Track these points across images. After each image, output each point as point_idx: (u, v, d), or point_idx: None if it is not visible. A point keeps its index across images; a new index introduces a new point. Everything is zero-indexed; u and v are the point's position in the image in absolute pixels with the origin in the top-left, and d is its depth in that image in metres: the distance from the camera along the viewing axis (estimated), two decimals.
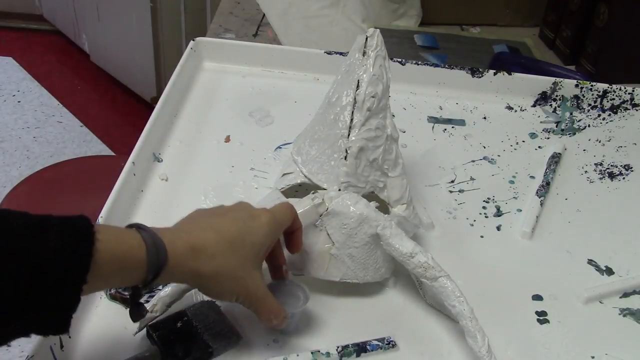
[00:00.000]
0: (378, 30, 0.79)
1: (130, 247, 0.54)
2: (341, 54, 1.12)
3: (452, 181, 0.96)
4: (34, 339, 0.63)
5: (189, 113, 1.04)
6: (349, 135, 0.77)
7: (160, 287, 0.72)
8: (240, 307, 0.72)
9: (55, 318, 0.52)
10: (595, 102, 1.14)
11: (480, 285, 0.79)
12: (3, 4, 3.03)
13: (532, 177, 0.98)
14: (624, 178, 1.01)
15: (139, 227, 0.57)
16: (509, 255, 0.85)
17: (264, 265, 0.68)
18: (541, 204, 0.92)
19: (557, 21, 1.42)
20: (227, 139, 0.99)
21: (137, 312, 0.61)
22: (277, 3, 1.46)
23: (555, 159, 1.01)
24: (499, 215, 0.91)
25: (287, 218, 0.67)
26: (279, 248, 0.70)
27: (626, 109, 1.15)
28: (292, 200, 0.74)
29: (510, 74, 1.14)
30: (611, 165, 1.03)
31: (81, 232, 0.51)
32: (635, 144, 1.08)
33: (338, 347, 0.69)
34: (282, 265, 0.71)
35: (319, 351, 0.69)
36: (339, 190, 0.76)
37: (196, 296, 0.74)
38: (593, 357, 0.73)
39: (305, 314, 0.72)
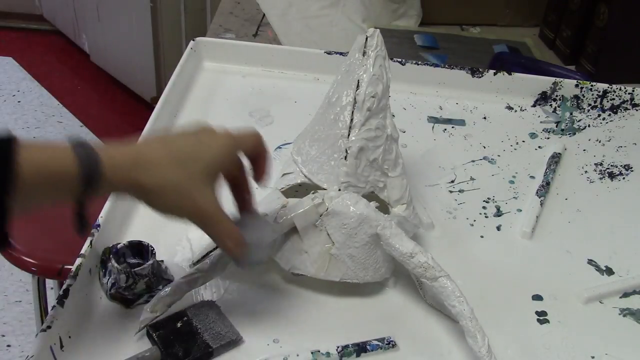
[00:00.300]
0: (378, 30, 0.79)
1: (59, 159, 0.54)
2: (341, 54, 1.12)
3: (452, 181, 0.96)
4: (34, 339, 0.63)
5: (189, 113, 1.04)
6: (349, 135, 0.77)
7: (160, 287, 0.72)
8: (240, 307, 0.72)
9: None
10: (595, 102, 1.14)
11: (480, 285, 0.79)
12: (3, 4, 3.03)
13: (532, 177, 0.98)
14: (624, 178, 1.01)
15: (75, 142, 0.56)
16: (509, 255, 0.85)
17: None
18: (541, 204, 0.92)
19: (557, 21, 1.42)
20: None
21: (79, 224, 0.58)
22: (277, 3, 1.46)
23: (555, 159, 1.01)
24: (499, 215, 0.91)
25: (248, 141, 0.65)
26: (244, 177, 0.67)
27: (626, 109, 1.15)
28: (292, 200, 0.74)
29: (510, 74, 1.14)
30: (611, 165, 1.03)
31: (1, 145, 0.51)
32: (635, 144, 1.08)
33: (338, 347, 0.69)
34: (247, 196, 0.68)
35: (319, 351, 0.69)
36: (339, 190, 0.76)
37: (196, 296, 0.74)
38: (593, 357, 0.73)
39: (277, 246, 0.70)
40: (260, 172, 0.68)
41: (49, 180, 0.54)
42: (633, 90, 1.14)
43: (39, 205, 0.57)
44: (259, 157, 0.67)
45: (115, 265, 0.71)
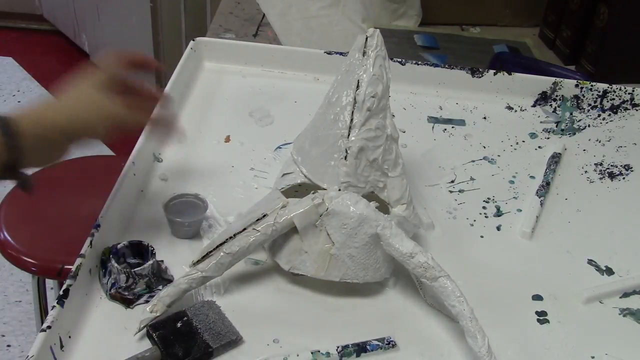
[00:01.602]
0: (378, 30, 0.79)
1: None
2: (341, 54, 1.12)
3: (452, 181, 0.96)
4: (34, 339, 0.63)
5: (189, 113, 1.04)
6: (349, 135, 0.77)
7: (160, 287, 0.72)
8: (241, 307, 0.72)
9: None
10: (595, 102, 1.14)
11: (480, 285, 0.79)
12: (3, 4, 3.03)
13: (532, 177, 0.98)
14: (624, 178, 1.01)
15: None
16: (509, 255, 0.85)
17: None
18: (541, 204, 0.92)
19: (557, 21, 1.42)
20: (227, 139, 0.99)
21: (23, 184, 0.66)
22: (277, 3, 1.46)
23: (555, 159, 1.01)
24: (499, 215, 0.91)
25: (116, 69, 0.76)
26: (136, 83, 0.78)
27: (626, 109, 1.15)
28: (292, 200, 0.74)
29: (510, 74, 1.14)
30: (611, 165, 1.03)
31: None
32: (635, 144, 1.08)
33: (338, 347, 0.69)
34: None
35: (319, 351, 0.69)
36: (339, 190, 0.76)
37: (196, 296, 0.74)
38: (593, 357, 0.73)
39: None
40: (145, 67, 0.83)
41: None
42: (633, 90, 1.14)
43: None
44: (141, 66, 0.81)
45: (115, 265, 0.71)
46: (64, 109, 0.69)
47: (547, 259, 0.85)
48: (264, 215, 0.73)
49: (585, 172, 1.01)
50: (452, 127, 1.07)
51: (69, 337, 0.67)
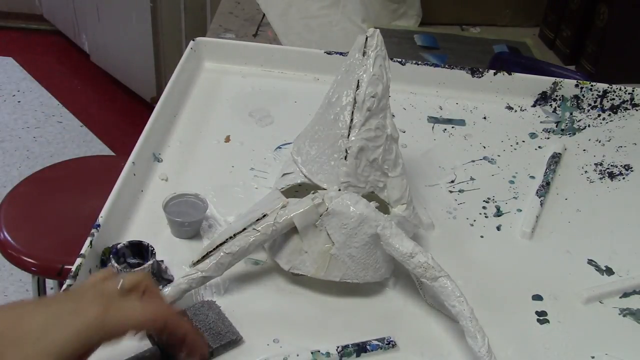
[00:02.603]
0: (378, 30, 0.79)
1: None
2: (341, 54, 1.12)
3: (452, 181, 0.96)
4: None
5: (189, 113, 1.04)
6: (349, 135, 0.77)
7: (160, 288, 0.72)
8: (241, 307, 0.72)
9: None
10: (595, 102, 1.14)
11: (480, 285, 0.79)
12: (3, 4, 3.03)
13: (532, 177, 0.98)
14: (624, 178, 1.01)
15: None
16: (509, 255, 0.85)
17: None
18: (541, 204, 0.92)
19: (557, 21, 1.42)
20: (227, 139, 0.99)
21: None
22: (277, 3, 1.46)
23: (555, 159, 1.01)
24: (499, 215, 0.91)
25: (128, 321, 0.52)
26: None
27: (626, 109, 1.15)
28: (292, 200, 0.74)
29: (510, 74, 1.14)
30: (611, 165, 1.03)
31: None
32: (635, 144, 1.08)
33: (338, 347, 0.69)
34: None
35: (319, 351, 0.69)
36: (339, 190, 0.76)
37: (196, 296, 0.74)
38: (593, 357, 0.73)
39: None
40: (188, 349, 0.57)
41: None
42: (633, 90, 1.14)
43: None
44: (173, 335, 0.56)
45: (115, 265, 0.71)
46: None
47: (547, 259, 0.85)
48: (264, 215, 0.73)
49: (585, 172, 1.01)
50: (452, 127, 1.07)
51: None
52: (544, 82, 1.14)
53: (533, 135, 1.08)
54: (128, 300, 0.53)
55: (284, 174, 0.82)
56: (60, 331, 0.49)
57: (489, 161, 1.01)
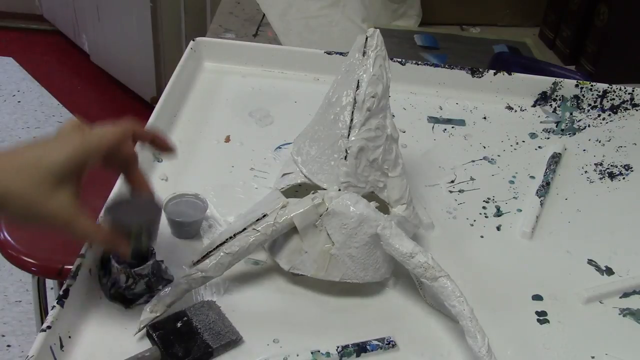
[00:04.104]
0: (378, 30, 0.79)
1: None
2: (341, 54, 1.12)
3: (452, 181, 0.96)
4: (34, 339, 0.63)
5: (189, 113, 1.04)
6: (349, 135, 0.77)
7: (160, 288, 0.72)
8: (241, 307, 0.72)
9: None
10: (595, 102, 1.14)
11: (480, 285, 0.79)
12: (3, 4, 3.03)
13: (532, 177, 0.98)
14: (624, 178, 1.01)
15: None
16: (509, 255, 0.85)
17: None
18: (541, 204, 0.92)
19: (557, 21, 1.42)
20: (227, 139, 0.99)
21: None
22: (277, 3, 1.46)
23: (555, 159, 1.01)
24: (499, 215, 0.91)
25: (105, 136, 0.62)
26: (130, 165, 0.67)
27: (626, 109, 1.15)
28: (292, 200, 0.74)
29: (510, 74, 1.14)
30: (611, 165, 1.03)
31: None
32: (635, 144, 1.08)
33: (338, 347, 0.69)
34: (138, 180, 0.67)
35: (319, 351, 0.69)
36: (339, 190, 0.76)
37: (196, 296, 0.74)
38: (593, 357, 0.73)
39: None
40: (158, 146, 0.69)
41: None
42: (633, 90, 1.14)
43: None
44: (142, 139, 0.68)
45: (115, 265, 0.71)
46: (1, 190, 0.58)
47: (547, 259, 0.85)
48: (264, 215, 0.73)
49: (585, 172, 1.01)
50: (452, 127, 1.07)
51: (69, 337, 0.67)
52: (544, 82, 1.14)
53: (533, 135, 1.08)
54: (101, 126, 0.63)
55: (284, 174, 0.82)
56: (54, 157, 0.59)
57: (489, 161, 1.01)
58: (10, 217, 0.61)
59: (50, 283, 1.50)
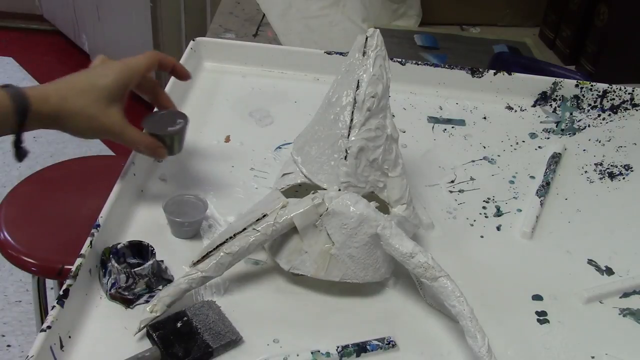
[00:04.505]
0: (378, 30, 0.79)
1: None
2: (341, 54, 1.12)
3: (452, 181, 0.96)
4: (34, 339, 0.63)
5: (188, 113, 1.02)
6: (349, 135, 0.77)
7: (160, 287, 0.72)
8: (240, 307, 0.72)
9: None
10: (595, 102, 1.14)
11: (480, 285, 0.79)
12: (3, 4, 3.03)
13: (532, 177, 0.98)
14: (624, 178, 1.01)
15: (5, 85, 0.71)
16: (509, 255, 0.85)
17: None
18: (541, 204, 0.92)
19: (557, 21, 1.42)
20: (227, 139, 0.99)
21: (19, 153, 0.73)
22: (277, 3, 1.46)
23: (555, 159, 1.01)
24: (499, 215, 0.91)
25: (141, 62, 0.79)
26: (156, 89, 0.84)
27: (626, 109, 1.15)
28: (292, 200, 0.74)
29: (510, 74, 1.14)
30: (611, 165, 1.03)
31: None
32: (635, 144, 1.08)
33: (338, 347, 0.69)
34: (163, 99, 0.85)
35: (319, 351, 0.69)
36: (339, 190, 0.76)
37: (196, 296, 0.74)
38: (593, 357, 0.73)
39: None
40: (176, 74, 0.86)
41: None
42: (633, 90, 1.14)
43: None
44: (165, 67, 0.83)
45: (115, 265, 0.71)
46: (69, 108, 0.73)
47: (547, 259, 0.85)
48: (264, 215, 0.73)
49: (585, 172, 1.01)
50: (452, 127, 1.07)
51: (69, 337, 0.67)
52: (544, 82, 1.14)
53: (533, 135, 1.08)
54: (137, 56, 0.80)
55: (284, 174, 0.82)
56: (104, 80, 0.75)
57: (489, 161, 1.01)
58: (73, 131, 0.75)
59: (50, 283, 1.50)
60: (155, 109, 0.85)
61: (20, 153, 0.73)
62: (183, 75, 0.86)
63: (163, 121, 0.82)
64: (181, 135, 0.82)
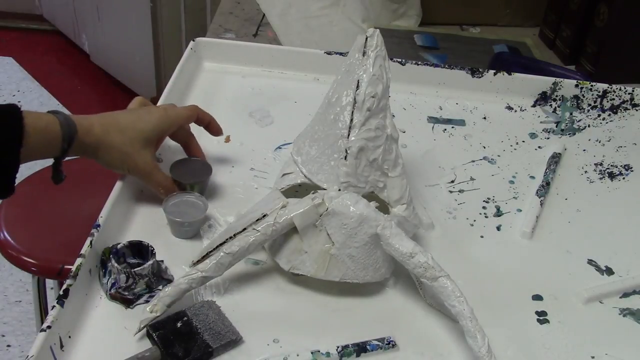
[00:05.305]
0: (378, 30, 0.79)
1: (48, 122, 0.73)
2: (341, 54, 1.12)
3: (452, 181, 0.96)
4: (34, 339, 0.63)
5: None
6: (348, 135, 0.77)
7: (160, 287, 0.72)
8: (241, 307, 0.72)
9: (2, 180, 0.73)
10: (595, 102, 1.14)
11: (480, 285, 0.79)
12: (3, 4, 3.03)
13: (532, 177, 0.98)
14: (624, 178, 1.01)
15: (54, 112, 0.75)
16: (509, 255, 0.85)
17: None
18: (541, 204, 0.92)
19: (557, 21, 1.42)
20: (227, 139, 0.99)
21: (57, 176, 0.78)
22: (277, 3, 1.46)
23: (555, 159, 1.01)
24: (499, 215, 0.91)
25: (180, 114, 0.85)
26: (190, 139, 0.89)
27: (626, 109, 1.15)
28: (292, 200, 0.74)
29: (510, 74, 1.14)
30: (611, 165, 1.03)
31: (11, 111, 0.70)
32: (635, 144, 1.08)
33: (338, 347, 0.69)
34: (194, 149, 0.89)
35: (319, 351, 0.69)
36: (339, 190, 0.76)
37: (196, 296, 0.74)
38: (593, 357, 0.73)
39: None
40: (211, 130, 0.90)
41: (44, 140, 0.72)
42: (633, 90, 1.14)
43: (33, 159, 0.74)
44: (202, 122, 0.89)
45: (115, 265, 0.71)
46: (108, 142, 0.78)
47: (547, 259, 0.85)
48: (264, 215, 0.73)
49: (585, 172, 1.01)
50: (452, 127, 1.07)
51: (69, 337, 0.67)
52: (544, 82, 1.14)
53: (533, 135, 1.08)
54: (177, 106, 0.88)
55: (284, 174, 0.82)
56: (144, 124, 0.81)
57: (489, 161, 1.01)
58: (107, 163, 0.79)
59: (50, 283, 1.50)
60: (185, 156, 0.90)
61: (58, 176, 0.78)
62: (217, 131, 0.90)
63: (190, 169, 0.86)
64: (202, 187, 0.86)
